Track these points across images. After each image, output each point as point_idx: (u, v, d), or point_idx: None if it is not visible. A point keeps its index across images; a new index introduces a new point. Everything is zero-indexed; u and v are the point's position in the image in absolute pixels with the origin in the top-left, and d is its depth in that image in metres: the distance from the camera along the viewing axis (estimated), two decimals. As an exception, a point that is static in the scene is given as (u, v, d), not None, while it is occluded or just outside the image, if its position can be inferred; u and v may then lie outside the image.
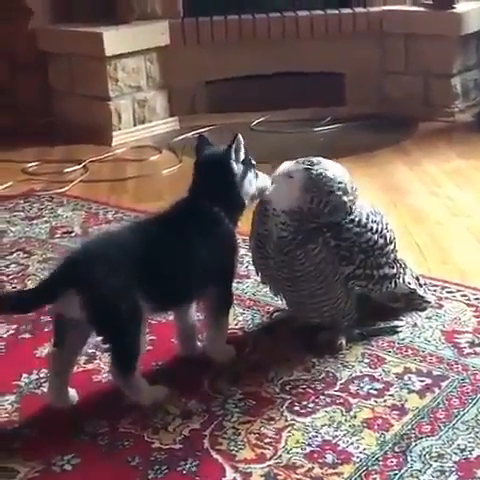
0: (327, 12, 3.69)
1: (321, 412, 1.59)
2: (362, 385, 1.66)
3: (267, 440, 1.51)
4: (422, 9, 3.66)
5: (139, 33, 3.53)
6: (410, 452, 1.46)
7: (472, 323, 1.89)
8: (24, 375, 1.74)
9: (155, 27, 3.58)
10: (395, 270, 1.85)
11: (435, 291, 2.03)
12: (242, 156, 1.72)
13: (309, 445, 1.49)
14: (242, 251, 2.24)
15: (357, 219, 1.74)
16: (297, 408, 1.60)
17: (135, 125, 3.59)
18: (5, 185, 2.97)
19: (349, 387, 1.66)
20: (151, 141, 3.53)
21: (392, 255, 1.84)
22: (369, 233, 1.75)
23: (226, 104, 3.69)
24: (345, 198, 1.70)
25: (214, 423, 1.56)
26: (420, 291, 1.94)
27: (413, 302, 1.94)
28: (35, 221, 2.65)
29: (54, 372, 1.62)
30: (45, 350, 1.80)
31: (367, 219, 1.76)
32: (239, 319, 1.95)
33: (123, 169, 3.21)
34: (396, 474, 1.41)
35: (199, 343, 1.80)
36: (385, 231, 1.80)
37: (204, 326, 1.78)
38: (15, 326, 1.94)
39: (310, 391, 1.65)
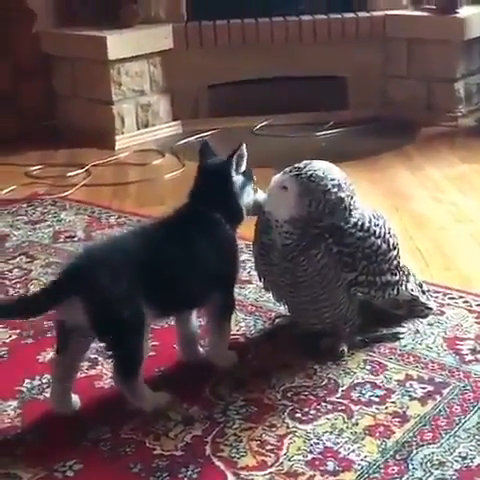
0: (330, 16, 3.69)
1: (323, 419, 1.59)
2: (364, 392, 1.67)
3: (269, 447, 1.51)
4: (425, 14, 3.66)
5: (142, 37, 3.54)
6: (411, 460, 1.46)
7: (474, 330, 1.89)
8: (27, 380, 1.75)
9: (158, 31, 3.59)
10: (398, 277, 1.85)
11: (437, 297, 2.04)
12: (243, 167, 1.73)
13: (310, 452, 1.50)
14: (244, 256, 2.25)
15: (360, 223, 1.74)
16: (299, 415, 1.60)
17: (138, 129, 3.60)
18: (8, 189, 2.98)
19: (351, 394, 1.66)
20: (154, 145, 3.53)
21: (395, 261, 1.84)
22: (372, 237, 1.76)
23: (229, 108, 3.69)
24: (342, 194, 1.70)
25: (216, 430, 1.57)
26: (423, 298, 1.94)
27: (415, 309, 1.94)
28: (38, 225, 2.66)
29: (57, 378, 1.63)
30: (48, 355, 1.81)
31: (370, 223, 1.76)
32: (241, 325, 1.95)
33: (126, 173, 3.21)
34: (397, 482, 1.42)
35: (201, 349, 1.80)
36: (388, 236, 1.80)
37: (206, 332, 1.79)
38: (18, 331, 1.95)
39: (312, 398, 1.66)
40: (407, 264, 1.97)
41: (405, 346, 1.83)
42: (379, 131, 3.54)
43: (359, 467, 1.45)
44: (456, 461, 1.45)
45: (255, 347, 1.86)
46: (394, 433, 1.54)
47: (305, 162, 1.73)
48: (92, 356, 1.78)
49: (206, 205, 1.71)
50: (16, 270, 2.32)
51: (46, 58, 3.62)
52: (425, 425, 1.56)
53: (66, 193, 2.94)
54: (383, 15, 3.68)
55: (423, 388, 1.67)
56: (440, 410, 1.60)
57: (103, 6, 3.64)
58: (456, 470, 1.43)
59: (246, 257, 2.24)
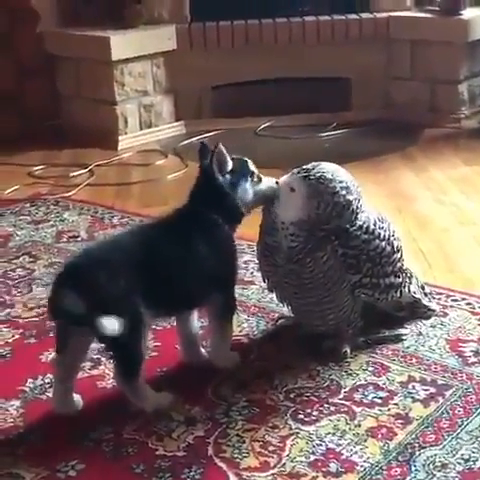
0: (333, 17, 3.69)
1: (325, 420, 1.59)
2: (366, 393, 1.66)
3: (271, 448, 1.51)
4: (428, 15, 3.66)
5: (146, 38, 3.54)
6: (414, 461, 1.46)
7: (477, 332, 1.88)
8: (29, 380, 1.75)
9: (162, 32, 3.59)
10: (401, 279, 1.85)
11: (440, 299, 2.03)
12: (229, 165, 1.70)
13: (313, 453, 1.50)
14: (247, 257, 2.25)
15: (365, 225, 1.74)
16: (301, 416, 1.60)
17: (141, 129, 3.60)
18: (11, 188, 2.98)
19: (353, 395, 1.66)
20: (157, 145, 3.54)
21: (398, 264, 1.84)
22: (377, 240, 1.75)
23: (232, 109, 3.69)
24: (350, 197, 1.70)
25: (218, 430, 1.57)
26: (424, 300, 1.94)
27: (418, 311, 1.94)
28: (41, 225, 2.66)
29: (58, 378, 1.63)
30: (51, 355, 1.81)
31: (374, 225, 1.76)
32: (244, 326, 1.95)
33: (129, 173, 3.21)
34: (400, 484, 1.42)
35: (203, 350, 1.80)
36: (392, 239, 1.80)
37: (207, 333, 1.79)
38: (21, 331, 1.95)
39: (314, 399, 1.65)
40: (410, 266, 1.97)
41: (408, 348, 1.83)
42: (382, 132, 3.54)
43: (361, 469, 1.45)
44: (459, 463, 1.45)
45: (258, 348, 1.86)
46: (397, 435, 1.54)
47: (313, 164, 1.72)
48: (94, 356, 1.78)
49: (203, 206, 1.71)
50: (19, 270, 2.32)
51: (50, 58, 3.62)
52: (428, 427, 1.56)
53: (69, 193, 2.94)
54: (387, 16, 3.68)
55: (426, 390, 1.67)
56: (443, 412, 1.60)
57: (107, 6, 3.65)
58: (458, 472, 1.43)
59: (249, 258, 2.24)
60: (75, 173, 3.16)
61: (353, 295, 1.76)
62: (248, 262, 2.24)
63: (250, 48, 3.66)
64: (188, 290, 1.67)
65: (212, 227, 1.69)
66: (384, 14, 3.69)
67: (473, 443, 1.50)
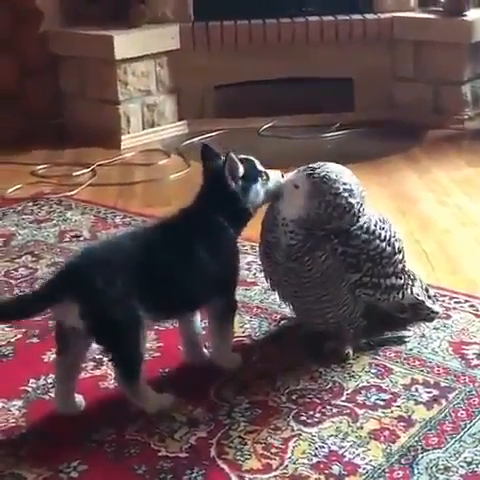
0: (337, 18, 3.69)
1: (328, 422, 1.58)
2: (369, 396, 1.66)
3: (273, 450, 1.51)
4: (432, 16, 3.65)
5: (149, 37, 3.54)
6: (417, 464, 1.46)
7: (480, 334, 1.89)
8: (32, 380, 1.75)
9: (165, 31, 3.59)
10: (403, 281, 1.85)
11: (443, 301, 2.03)
12: (241, 172, 1.70)
13: (315, 456, 1.49)
14: (250, 258, 2.25)
15: (366, 226, 1.74)
16: (304, 418, 1.60)
17: (144, 129, 3.60)
18: (14, 188, 2.98)
19: (356, 397, 1.66)
20: (160, 145, 3.53)
21: (400, 265, 1.83)
22: (377, 240, 1.75)
23: (235, 109, 3.69)
24: (352, 200, 1.69)
25: (221, 432, 1.56)
26: (428, 302, 1.94)
27: (420, 313, 1.94)
28: (44, 224, 2.66)
29: (59, 379, 1.63)
30: (53, 355, 1.80)
31: (375, 226, 1.76)
32: (246, 327, 1.95)
33: (131, 173, 3.21)
34: (402, 486, 1.41)
35: (205, 350, 1.80)
36: (393, 240, 1.80)
37: (209, 334, 1.79)
38: (23, 330, 1.95)
39: (317, 401, 1.65)
40: (413, 267, 1.96)
41: (411, 350, 1.82)
42: (385, 133, 3.53)
43: (364, 471, 1.45)
44: (461, 466, 1.45)
45: (260, 349, 1.86)
46: (399, 437, 1.53)
47: (319, 163, 1.72)
48: (97, 356, 1.78)
49: (210, 208, 1.70)
50: (22, 269, 2.32)
51: (53, 57, 3.62)
52: (430, 430, 1.55)
53: (72, 192, 2.94)
54: (390, 17, 3.67)
55: (428, 392, 1.67)
56: (445, 415, 1.59)
57: (110, 6, 3.64)
58: (461, 475, 1.43)
59: (252, 259, 2.24)
60: (78, 172, 3.16)
61: (354, 295, 1.76)
62: (251, 263, 2.24)
63: (253, 48, 3.66)
64: (189, 293, 1.66)
65: (217, 230, 1.69)
66: (388, 15, 3.69)
67: (476, 446, 1.50)
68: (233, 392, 1.68)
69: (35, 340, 1.92)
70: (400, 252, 1.83)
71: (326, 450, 1.51)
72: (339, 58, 3.68)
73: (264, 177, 1.74)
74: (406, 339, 1.86)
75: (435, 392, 1.66)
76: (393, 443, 1.52)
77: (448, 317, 1.96)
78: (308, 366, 1.77)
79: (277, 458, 1.49)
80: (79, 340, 1.59)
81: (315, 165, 1.72)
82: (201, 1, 3.68)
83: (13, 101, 3.59)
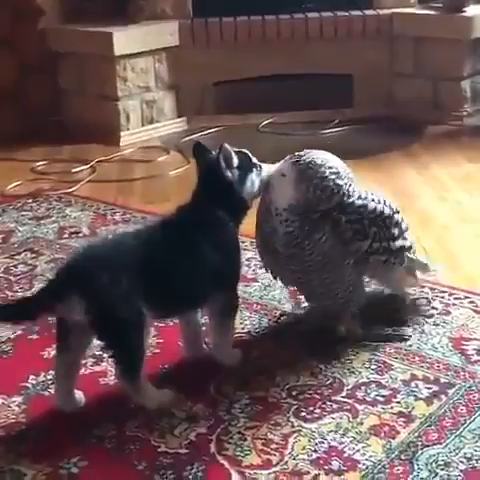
0: (336, 14, 3.68)
1: (327, 418, 1.58)
2: (369, 391, 1.66)
3: (273, 446, 1.51)
4: (432, 12, 3.65)
5: (148, 33, 3.53)
6: (416, 460, 1.46)
7: (480, 330, 1.89)
8: (31, 376, 1.75)
9: (164, 27, 3.58)
10: (409, 242, 1.89)
11: (443, 297, 2.03)
12: (235, 162, 1.71)
13: (315, 451, 1.49)
14: (249, 254, 2.25)
15: (357, 194, 1.76)
16: (303, 414, 1.60)
17: (143, 125, 3.60)
18: (13, 184, 2.98)
19: (356, 393, 1.66)
20: (159, 142, 3.53)
21: (403, 225, 1.87)
22: (373, 203, 1.78)
23: (234, 105, 3.69)
24: (340, 181, 1.71)
25: (220, 427, 1.56)
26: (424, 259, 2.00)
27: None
28: (43, 221, 2.66)
29: (59, 375, 1.63)
30: (53, 351, 1.80)
31: (366, 192, 1.79)
32: (246, 323, 1.95)
33: (131, 170, 3.21)
34: (402, 482, 1.41)
35: (205, 346, 1.80)
36: (388, 202, 1.83)
37: (210, 329, 1.79)
38: (23, 327, 1.94)
39: (317, 397, 1.65)
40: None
41: (411, 346, 1.82)
42: (385, 129, 3.53)
43: (364, 467, 1.45)
44: (461, 462, 1.45)
45: (260, 345, 1.86)
46: (399, 433, 1.53)
47: (306, 150, 1.75)
48: (97, 352, 1.78)
49: (209, 204, 1.70)
50: (21, 266, 2.32)
51: (52, 54, 3.62)
52: (430, 425, 1.55)
53: (71, 189, 2.94)
54: (390, 13, 3.67)
55: (428, 388, 1.67)
56: (445, 410, 1.59)
57: (109, 2, 3.64)
58: (461, 471, 1.43)
59: (251, 255, 2.24)
60: (77, 169, 3.16)
61: (364, 265, 1.77)
62: (250, 259, 2.24)
63: (253, 44, 3.65)
64: (193, 290, 1.66)
65: (218, 225, 1.69)
66: (387, 11, 3.69)
67: (476, 442, 1.50)
68: (233, 388, 1.68)
69: (35, 337, 1.92)
70: (398, 212, 1.85)
71: (326, 446, 1.51)
72: (338, 54, 3.68)
73: (258, 168, 1.75)
74: (406, 336, 1.85)
75: (435, 388, 1.67)
76: (393, 439, 1.52)
77: (448, 313, 1.96)
78: (308, 362, 1.77)
79: (277, 454, 1.49)
80: (80, 337, 1.59)
81: (301, 153, 1.74)
82: (200, -3, 3.69)
83: (12, 98, 3.59)
